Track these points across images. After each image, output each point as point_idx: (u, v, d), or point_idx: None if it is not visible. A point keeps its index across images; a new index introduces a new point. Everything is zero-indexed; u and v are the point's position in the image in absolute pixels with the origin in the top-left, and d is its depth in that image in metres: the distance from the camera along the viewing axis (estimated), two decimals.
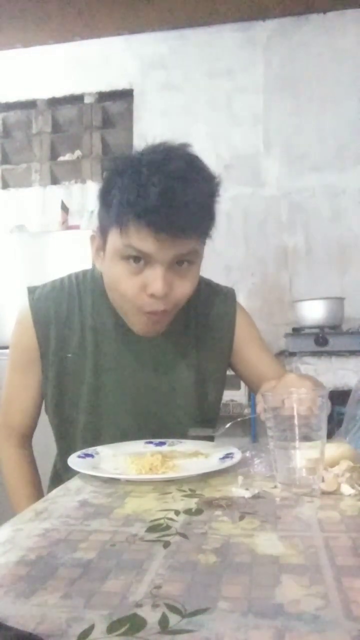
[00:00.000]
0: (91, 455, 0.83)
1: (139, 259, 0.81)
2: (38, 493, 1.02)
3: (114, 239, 0.82)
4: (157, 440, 0.92)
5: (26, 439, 1.06)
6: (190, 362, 0.99)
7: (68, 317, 0.96)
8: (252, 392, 1.10)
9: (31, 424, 1.05)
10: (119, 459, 0.81)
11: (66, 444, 1.00)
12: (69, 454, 0.83)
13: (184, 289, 0.85)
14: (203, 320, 1.01)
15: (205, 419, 1.02)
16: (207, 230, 0.85)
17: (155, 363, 0.97)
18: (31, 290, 0.99)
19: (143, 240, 0.78)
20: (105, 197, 0.83)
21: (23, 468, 1.04)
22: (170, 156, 0.79)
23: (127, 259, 0.81)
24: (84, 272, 1.02)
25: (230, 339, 1.03)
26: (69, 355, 0.95)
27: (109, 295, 0.93)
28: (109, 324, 0.96)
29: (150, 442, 0.91)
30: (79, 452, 0.84)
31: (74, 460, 0.78)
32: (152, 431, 0.96)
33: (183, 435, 0.93)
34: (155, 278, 0.80)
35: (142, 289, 0.82)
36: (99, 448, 0.87)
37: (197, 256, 0.85)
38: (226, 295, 1.06)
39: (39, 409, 1.04)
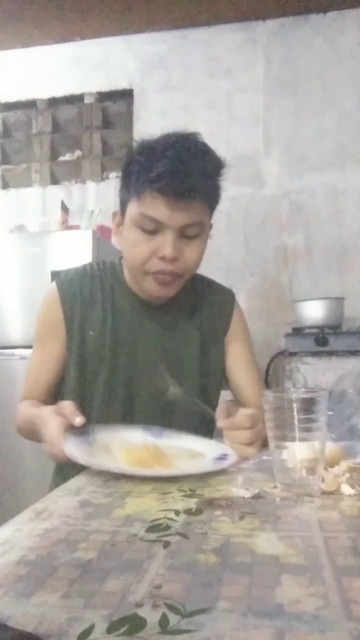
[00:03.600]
0: (86, 434, 0.80)
1: (152, 228, 0.91)
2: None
3: (132, 208, 0.94)
4: (155, 428, 0.90)
5: None
6: (196, 332, 1.08)
7: (91, 297, 1.05)
8: (227, 385, 1.16)
9: (52, 401, 1.02)
10: (114, 450, 0.79)
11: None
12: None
13: (192, 255, 0.95)
14: (206, 312, 1.11)
15: (207, 392, 1.08)
16: (212, 200, 0.96)
17: (167, 330, 1.06)
18: (56, 273, 1.09)
19: (156, 208, 0.90)
20: (125, 174, 0.96)
21: (35, 403, 1.02)
22: (182, 137, 0.93)
23: (141, 228, 0.92)
24: (104, 261, 1.13)
25: (224, 332, 1.12)
26: (91, 332, 1.03)
27: (124, 262, 1.04)
28: (126, 306, 1.06)
29: (148, 429, 0.89)
30: (74, 430, 0.78)
31: (70, 448, 0.73)
32: (162, 404, 1.00)
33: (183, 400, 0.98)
34: (165, 243, 0.91)
35: (153, 253, 0.93)
36: (96, 431, 0.82)
37: (203, 228, 0.96)
38: (227, 294, 1.17)
39: (59, 386, 1.07)
